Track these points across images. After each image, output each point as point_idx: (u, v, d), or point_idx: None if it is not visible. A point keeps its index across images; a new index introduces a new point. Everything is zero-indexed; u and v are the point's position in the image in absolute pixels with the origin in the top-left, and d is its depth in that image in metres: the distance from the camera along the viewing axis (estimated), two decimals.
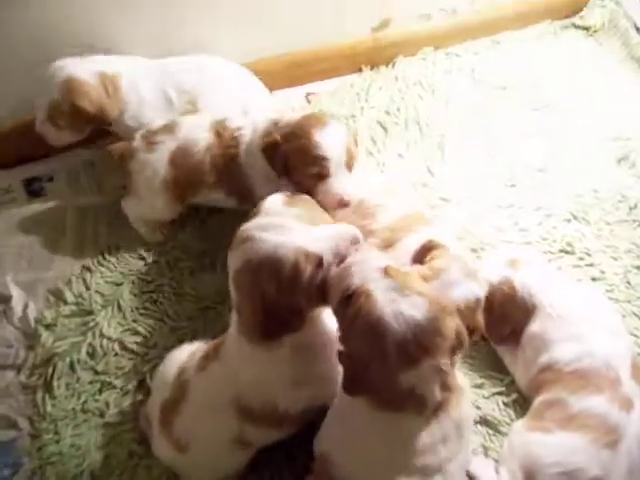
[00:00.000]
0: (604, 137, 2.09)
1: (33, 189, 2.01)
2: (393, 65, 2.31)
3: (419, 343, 1.04)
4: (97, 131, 1.93)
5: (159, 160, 1.70)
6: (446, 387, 1.12)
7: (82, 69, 1.77)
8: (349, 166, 1.59)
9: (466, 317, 1.38)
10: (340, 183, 1.56)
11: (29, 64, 1.82)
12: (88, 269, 1.81)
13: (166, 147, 1.71)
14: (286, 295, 1.15)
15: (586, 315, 1.46)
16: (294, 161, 1.56)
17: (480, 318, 1.43)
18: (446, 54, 2.36)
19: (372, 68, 2.31)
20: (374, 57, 2.30)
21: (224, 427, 1.30)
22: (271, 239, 1.15)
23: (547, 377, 1.42)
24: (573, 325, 1.44)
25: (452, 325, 1.09)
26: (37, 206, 1.97)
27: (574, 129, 2.12)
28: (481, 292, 1.42)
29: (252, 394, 1.26)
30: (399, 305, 1.05)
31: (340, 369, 1.13)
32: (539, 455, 1.29)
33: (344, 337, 1.13)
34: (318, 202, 1.52)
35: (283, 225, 1.18)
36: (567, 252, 1.80)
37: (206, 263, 1.80)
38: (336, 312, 1.15)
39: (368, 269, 1.11)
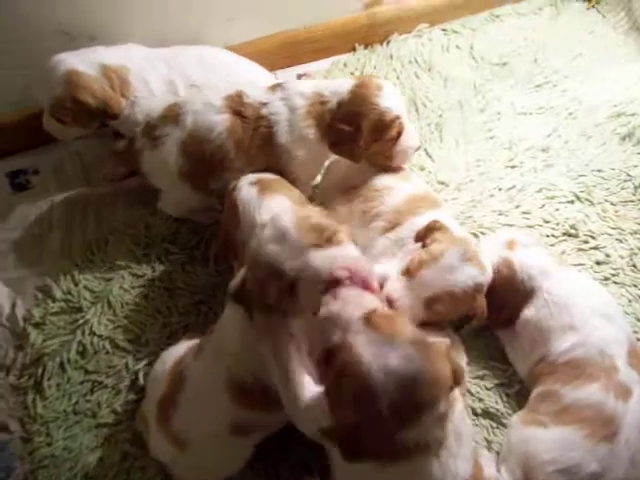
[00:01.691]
0: (608, 114, 2.03)
1: (18, 182, 1.94)
2: (388, 43, 2.26)
3: (416, 399, 0.95)
4: None
5: (168, 154, 1.62)
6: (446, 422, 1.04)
7: (82, 61, 1.70)
8: None
9: (463, 303, 1.38)
10: (410, 130, 1.63)
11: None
12: (76, 264, 1.75)
13: (173, 138, 1.61)
14: (281, 302, 1.13)
15: (581, 301, 1.41)
16: (374, 135, 1.56)
17: (480, 304, 1.40)
18: (443, 30, 2.31)
19: (366, 47, 2.25)
20: (368, 35, 2.24)
21: (220, 411, 1.26)
22: (275, 253, 1.11)
23: (542, 369, 1.38)
24: (568, 313, 1.39)
25: (447, 367, 0.99)
26: (23, 200, 1.90)
27: (576, 106, 2.06)
28: (481, 277, 1.38)
29: (244, 366, 1.23)
30: (387, 359, 0.94)
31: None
32: (536, 452, 1.25)
33: (331, 401, 1.01)
34: (392, 162, 1.62)
35: (299, 245, 1.11)
36: (571, 235, 1.74)
37: (197, 256, 1.75)
38: (319, 371, 1.06)
39: (347, 319, 1.00)
